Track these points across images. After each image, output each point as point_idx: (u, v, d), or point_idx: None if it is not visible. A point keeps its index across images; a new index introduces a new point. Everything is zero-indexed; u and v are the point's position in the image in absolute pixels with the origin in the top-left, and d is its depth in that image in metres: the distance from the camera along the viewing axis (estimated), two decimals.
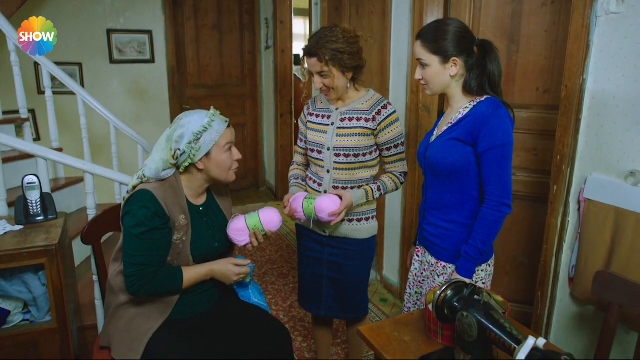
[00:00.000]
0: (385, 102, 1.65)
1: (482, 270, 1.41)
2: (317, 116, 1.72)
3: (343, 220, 1.65)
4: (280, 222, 1.56)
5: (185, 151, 1.37)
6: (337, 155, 1.64)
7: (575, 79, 1.65)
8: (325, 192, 1.68)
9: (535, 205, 2.20)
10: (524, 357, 0.90)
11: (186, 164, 1.40)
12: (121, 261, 1.44)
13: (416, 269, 1.57)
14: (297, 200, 1.61)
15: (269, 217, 1.53)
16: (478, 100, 1.36)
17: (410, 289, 1.58)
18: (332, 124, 1.66)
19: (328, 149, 1.65)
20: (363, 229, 1.71)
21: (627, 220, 1.51)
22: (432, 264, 1.47)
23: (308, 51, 1.58)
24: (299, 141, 1.85)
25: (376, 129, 1.63)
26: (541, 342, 0.92)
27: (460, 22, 1.38)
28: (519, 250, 2.31)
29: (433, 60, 1.35)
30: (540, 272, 1.91)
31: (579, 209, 1.71)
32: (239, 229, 1.52)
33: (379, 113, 1.62)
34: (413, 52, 1.40)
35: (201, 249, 1.47)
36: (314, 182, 1.73)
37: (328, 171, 1.68)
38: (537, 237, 2.02)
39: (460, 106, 1.39)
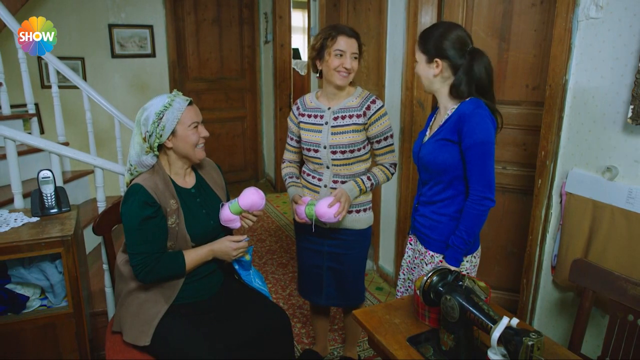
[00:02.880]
0: (373, 97, 1.75)
1: (467, 261, 1.52)
2: (309, 116, 1.80)
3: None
4: (262, 199, 1.61)
5: (152, 131, 1.46)
6: (334, 152, 1.73)
7: (559, 79, 1.75)
8: (326, 186, 1.78)
9: (524, 197, 2.30)
10: (498, 334, 1.02)
11: (156, 144, 1.48)
12: None
13: (409, 256, 1.68)
14: (301, 209, 1.73)
15: (249, 202, 1.58)
16: (462, 101, 1.45)
17: (404, 274, 1.70)
18: (326, 123, 1.75)
19: (324, 147, 1.74)
20: (361, 220, 1.82)
21: (604, 212, 1.62)
22: (421, 253, 1.58)
23: (349, 31, 1.69)
24: (289, 139, 1.92)
25: (366, 123, 1.73)
26: (514, 321, 1.03)
27: (460, 29, 1.46)
28: (509, 241, 2.42)
29: (421, 58, 1.48)
30: (525, 261, 2.02)
31: (561, 202, 1.82)
32: (228, 219, 1.61)
33: (368, 108, 1.72)
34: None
35: (197, 228, 1.56)
36: (313, 177, 1.82)
37: (327, 167, 1.77)
38: (526, 228, 2.13)
39: (448, 108, 1.49)
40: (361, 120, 1.72)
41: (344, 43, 1.67)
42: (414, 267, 1.63)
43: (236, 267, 1.69)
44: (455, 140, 1.42)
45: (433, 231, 1.54)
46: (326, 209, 1.66)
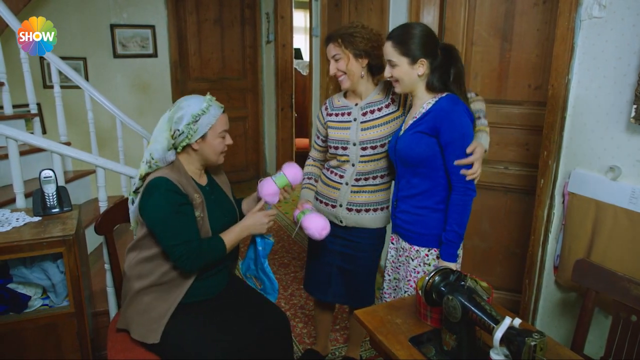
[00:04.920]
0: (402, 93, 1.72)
1: None
2: (337, 115, 1.78)
3: (351, 210, 1.76)
4: (302, 173, 1.69)
5: (183, 131, 1.47)
6: (364, 148, 1.70)
7: (561, 78, 1.75)
8: (347, 183, 1.75)
9: (527, 197, 2.29)
10: (501, 335, 1.01)
11: (183, 143, 1.49)
12: (140, 249, 1.54)
13: (392, 256, 1.67)
14: (296, 212, 1.74)
15: (294, 175, 1.65)
16: (439, 97, 1.48)
17: (389, 275, 1.69)
18: (355, 119, 1.72)
19: (354, 144, 1.71)
20: (378, 219, 1.78)
21: (606, 212, 1.62)
22: (405, 249, 1.58)
23: (326, 39, 1.70)
24: (315, 137, 1.93)
25: (399, 108, 1.69)
26: (517, 321, 1.03)
27: (426, 26, 1.51)
28: (511, 241, 2.41)
29: (402, 61, 1.47)
30: (527, 261, 2.02)
31: (563, 202, 1.81)
32: (272, 192, 1.64)
33: (394, 93, 1.68)
34: (384, 52, 1.51)
35: (217, 223, 1.56)
36: (335, 174, 1.79)
37: (353, 165, 1.74)
38: (529, 228, 2.12)
39: (424, 102, 1.51)
40: (391, 108, 1.69)
41: (326, 51, 1.70)
42: (399, 266, 1.63)
43: (260, 247, 1.69)
44: (432, 134, 1.45)
45: (416, 225, 1.54)
46: (311, 224, 1.65)
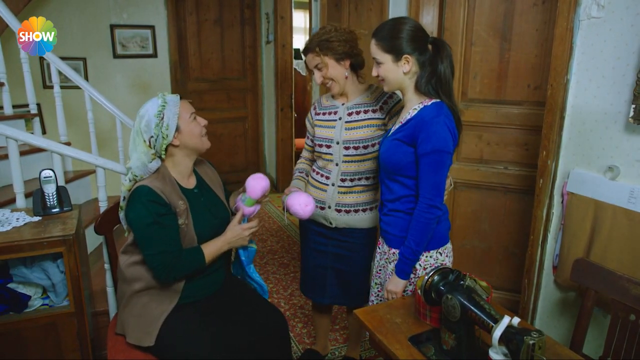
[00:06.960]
0: (389, 94, 1.73)
1: (429, 256, 1.48)
2: (324, 114, 1.80)
3: (340, 211, 1.76)
4: (265, 181, 1.62)
5: (158, 134, 1.46)
6: (347, 148, 1.71)
7: (560, 78, 1.75)
8: (333, 184, 1.76)
9: (526, 197, 2.30)
10: (500, 334, 1.02)
11: (164, 145, 1.48)
12: (131, 253, 1.54)
13: (378, 260, 1.64)
14: (283, 198, 1.74)
15: (260, 192, 1.60)
16: (425, 104, 1.42)
17: (374, 280, 1.66)
18: (340, 118, 1.74)
19: (337, 143, 1.73)
20: (368, 219, 1.79)
21: (606, 212, 1.62)
22: (386, 252, 1.56)
23: (303, 51, 1.70)
24: (306, 138, 1.95)
25: (385, 117, 1.71)
26: (515, 320, 1.03)
27: (414, 21, 1.44)
28: (510, 241, 2.41)
29: (386, 58, 1.41)
30: (527, 261, 2.02)
31: (562, 202, 1.81)
32: (249, 212, 1.63)
33: (385, 102, 1.70)
34: (370, 50, 1.46)
35: (204, 227, 1.56)
36: (322, 175, 1.80)
37: (337, 164, 1.75)
38: (528, 228, 2.12)
39: (411, 106, 1.45)
40: (378, 114, 1.70)
41: (306, 62, 1.72)
42: (380, 269, 1.61)
43: (243, 258, 1.68)
44: (410, 144, 1.40)
45: (392, 227, 1.51)
46: (294, 201, 1.63)
